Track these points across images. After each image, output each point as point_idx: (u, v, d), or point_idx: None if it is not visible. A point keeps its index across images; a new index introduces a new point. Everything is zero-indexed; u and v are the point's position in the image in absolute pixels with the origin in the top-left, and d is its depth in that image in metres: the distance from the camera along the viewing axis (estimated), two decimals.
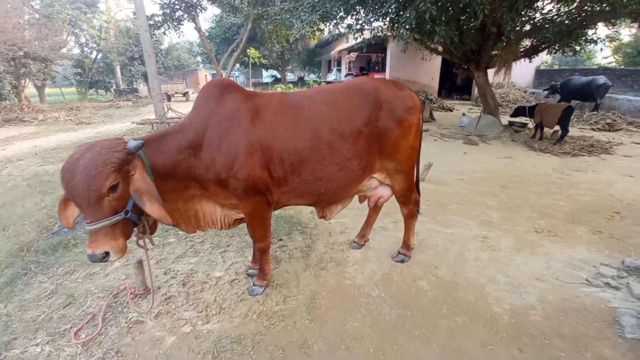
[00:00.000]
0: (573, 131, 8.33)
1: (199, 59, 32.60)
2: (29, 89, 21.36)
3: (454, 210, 3.96)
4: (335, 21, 8.07)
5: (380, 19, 7.25)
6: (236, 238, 3.30)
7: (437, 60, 15.60)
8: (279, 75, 32.97)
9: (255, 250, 2.60)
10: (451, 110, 13.48)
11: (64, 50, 19.56)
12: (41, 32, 15.71)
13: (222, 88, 2.03)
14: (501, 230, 3.43)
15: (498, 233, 3.37)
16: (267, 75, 37.06)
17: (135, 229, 1.84)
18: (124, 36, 25.34)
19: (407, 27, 6.64)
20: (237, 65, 29.00)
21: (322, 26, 8.49)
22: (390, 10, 5.96)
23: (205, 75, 30.88)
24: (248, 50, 16.19)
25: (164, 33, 13.12)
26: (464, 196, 4.42)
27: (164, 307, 2.35)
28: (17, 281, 2.72)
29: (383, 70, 17.53)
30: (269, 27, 9.65)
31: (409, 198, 2.57)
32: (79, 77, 25.85)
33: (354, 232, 3.33)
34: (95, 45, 24.64)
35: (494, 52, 7.99)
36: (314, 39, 23.10)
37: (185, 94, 22.89)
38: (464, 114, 10.59)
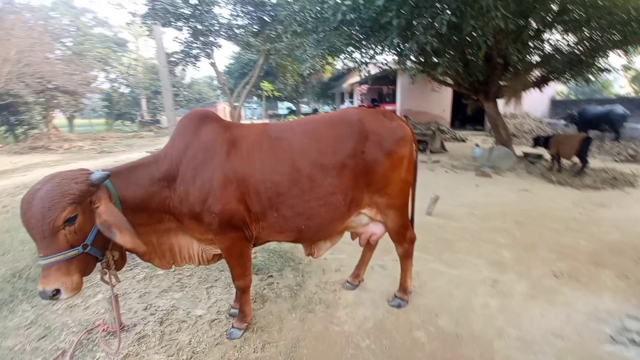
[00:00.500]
0: (594, 162, 7.93)
1: (218, 92, 34.23)
2: (60, 120, 22.82)
3: (461, 248, 3.68)
4: (343, 55, 8.29)
5: (386, 52, 7.40)
6: (225, 272, 3.13)
7: (448, 91, 15.68)
8: (294, 107, 33.97)
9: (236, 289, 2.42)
10: (464, 141, 13.28)
11: (93, 84, 20.99)
12: (70, 67, 16.93)
13: (200, 119, 1.99)
14: (514, 273, 3.11)
15: (510, 276, 3.05)
16: (282, 107, 38.26)
17: (99, 264, 1.73)
18: (149, 72, 27.11)
19: (411, 59, 6.69)
20: (255, 97, 30.27)
21: (330, 60, 8.75)
22: (393, 43, 6.07)
23: (224, 107, 32.18)
24: (262, 84, 16.85)
25: (183, 69, 13.90)
26: (473, 232, 4.13)
27: (135, 347, 2.18)
28: (2, 308, 2.65)
29: (394, 101, 17.74)
30: (277, 61, 10.08)
31: (404, 236, 2.37)
32: (106, 109, 27.54)
33: (350, 269, 3.09)
34: (124, 80, 26.42)
35: (502, 83, 7.90)
36: (326, 72, 23.87)
37: None
38: (476, 145, 10.37)
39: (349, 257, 3.38)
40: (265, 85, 16.45)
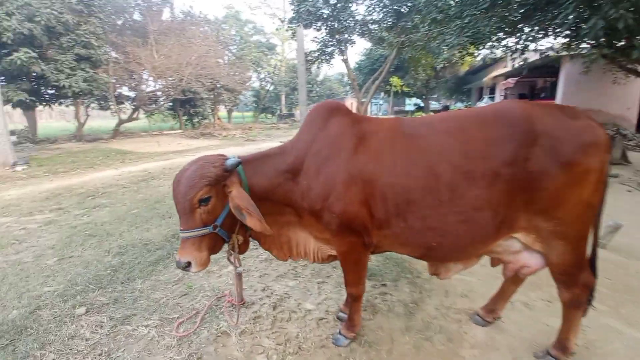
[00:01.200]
0: None
1: (347, 88, 35.58)
2: (222, 113, 28.23)
3: None
4: (490, 43, 7.07)
5: (552, 35, 5.82)
6: (338, 270, 3.07)
7: (637, 84, 11.56)
8: (422, 104, 32.15)
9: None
10: None
11: (247, 83, 25.06)
12: (232, 70, 20.53)
13: (329, 111, 1.88)
14: None
15: None
16: (409, 103, 36.70)
17: (225, 245, 1.86)
18: (290, 71, 30.49)
19: (591, 41, 5.08)
20: (382, 93, 30.07)
21: (471, 50, 7.63)
22: (566, 22, 4.68)
23: (351, 102, 33.31)
24: (391, 79, 16.42)
25: (318, 66, 14.91)
26: None
27: (250, 326, 2.32)
28: (160, 263, 3.26)
29: (552, 97, 14.39)
30: (411, 54, 9.47)
31: (575, 278, 1.72)
32: (254, 104, 32.55)
33: (480, 298, 2.56)
34: (270, 79, 30.60)
35: None
36: (464, 64, 21.43)
37: None
38: None
39: (480, 281, 2.81)
40: (395, 80, 15.95)
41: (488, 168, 1.55)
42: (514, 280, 2.11)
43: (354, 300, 2.05)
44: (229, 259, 1.94)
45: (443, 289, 2.74)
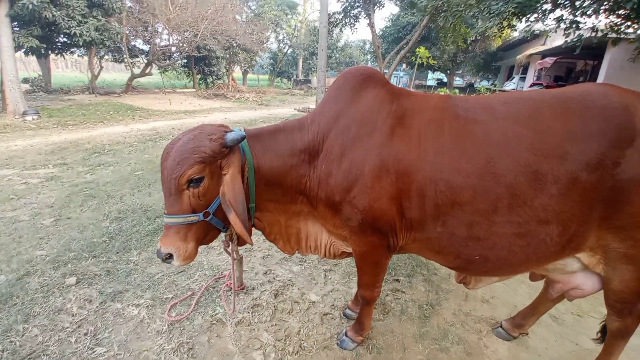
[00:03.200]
0: None
1: (368, 56, 33.87)
2: (237, 74, 27.35)
3: None
4: (535, 15, 6.29)
5: (607, 12, 5.00)
6: (347, 259, 2.83)
7: None
8: (445, 79, 30.49)
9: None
10: None
11: (265, 44, 23.94)
12: (250, 28, 19.51)
13: (362, 80, 1.50)
14: None
15: None
16: (431, 78, 34.89)
17: (223, 234, 1.60)
18: (310, 34, 28.94)
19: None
20: (404, 65, 28.53)
21: (514, 22, 6.83)
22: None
23: None
24: (417, 50, 15.30)
25: (340, 30, 13.93)
26: None
27: (248, 315, 2.13)
28: (158, 233, 3.04)
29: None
30: (446, 21, 8.59)
31: (632, 307, 1.43)
32: (270, 67, 31.40)
33: (503, 306, 2.32)
34: (288, 41, 29.22)
35: None
36: (497, 39, 19.84)
37: None
38: None
39: (505, 286, 2.55)
40: (421, 51, 14.82)
41: (565, 171, 1.20)
42: (553, 298, 1.81)
43: (366, 304, 1.80)
44: (226, 250, 1.70)
45: (462, 291, 2.48)
